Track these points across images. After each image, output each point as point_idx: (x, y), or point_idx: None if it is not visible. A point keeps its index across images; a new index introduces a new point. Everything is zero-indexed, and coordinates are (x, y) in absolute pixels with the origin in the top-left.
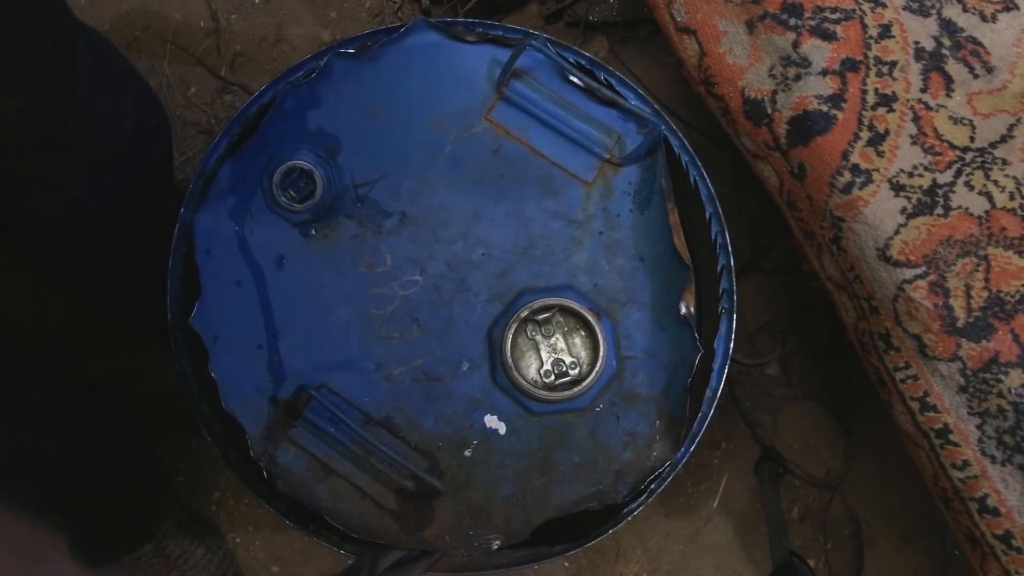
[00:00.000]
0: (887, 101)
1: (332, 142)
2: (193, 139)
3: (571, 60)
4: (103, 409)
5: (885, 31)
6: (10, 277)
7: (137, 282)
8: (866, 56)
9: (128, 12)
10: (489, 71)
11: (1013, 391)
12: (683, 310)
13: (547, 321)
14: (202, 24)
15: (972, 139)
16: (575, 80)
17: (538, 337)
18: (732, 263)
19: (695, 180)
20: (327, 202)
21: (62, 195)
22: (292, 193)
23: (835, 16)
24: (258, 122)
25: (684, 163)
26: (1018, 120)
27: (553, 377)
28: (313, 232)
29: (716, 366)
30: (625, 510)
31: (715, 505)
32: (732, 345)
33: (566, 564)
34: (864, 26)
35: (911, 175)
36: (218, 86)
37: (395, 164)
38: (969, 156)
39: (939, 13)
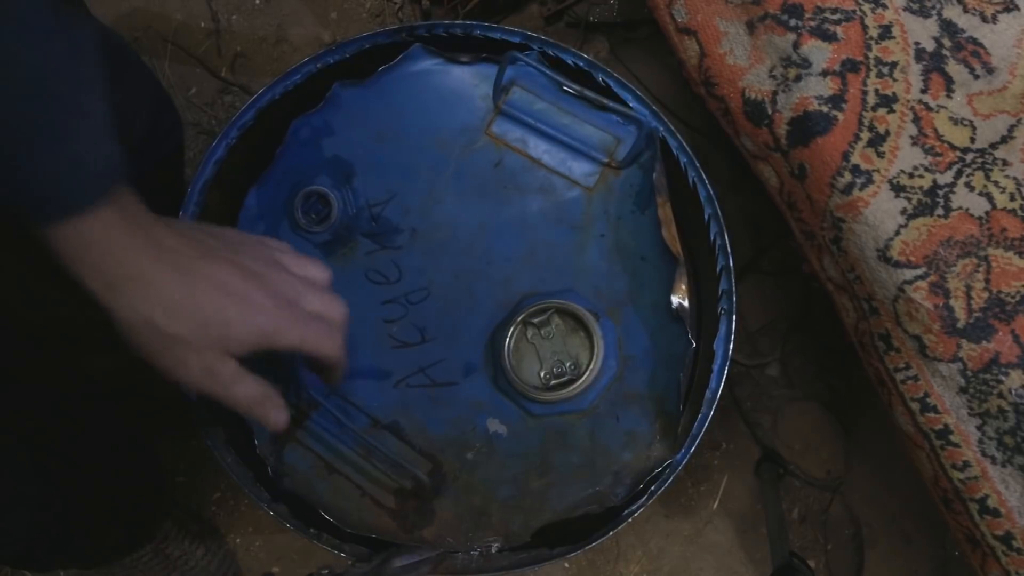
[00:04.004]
0: (887, 102)
1: (347, 167)
2: (194, 140)
3: (569, 62)
4: (103, 407)
5: (885, 32)
6: (10, 273)
7: None
8: (866, 57)
9: (128, 12)
10: (485, 88)
11: (1013, 392)
12: (675, 303)
13: (545, 323)
14: (203, 25)
15: (972, 140)
16: (568, 88)
17: (537, 340)
18: (731, 264)
19: (694, 181)
20: (344, 222)
21: None
22: (312, 215)
23: (835, 17)
24: (257, 125)
25: (683, 164)
26: (1018, 121)
27: (552, 379)
28: (335, 252)
29: (716, 367)
30: (625, 511)
31: (715, 506)
32: (732, 346)
33: (566, 565)
34: (864, 27)
35: (911, 176)
36: (219, 87)
37: (405, 183)
38: (969, 157)
39: (939, 14)
